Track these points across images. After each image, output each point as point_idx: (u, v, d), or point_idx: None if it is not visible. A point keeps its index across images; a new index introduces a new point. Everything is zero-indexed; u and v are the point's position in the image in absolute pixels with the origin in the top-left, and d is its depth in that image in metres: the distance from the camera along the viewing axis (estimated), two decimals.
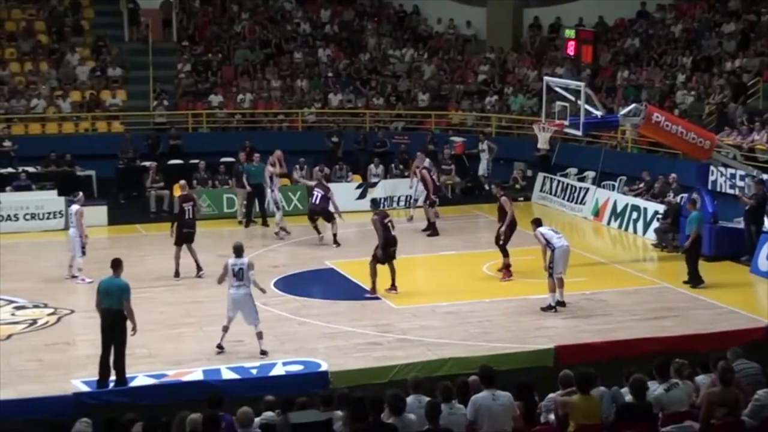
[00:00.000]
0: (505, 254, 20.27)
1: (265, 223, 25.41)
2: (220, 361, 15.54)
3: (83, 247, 20.09)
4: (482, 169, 30.15)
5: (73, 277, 20.23)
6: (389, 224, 19.63)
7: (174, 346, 16.30)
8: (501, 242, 20.22)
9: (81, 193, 21.05)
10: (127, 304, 14.31)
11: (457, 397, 10.43)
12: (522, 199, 28.88)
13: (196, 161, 27.77)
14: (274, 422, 9.99)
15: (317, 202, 23.67)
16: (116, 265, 14.65)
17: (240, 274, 15.76)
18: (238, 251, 16.03)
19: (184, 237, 20.61)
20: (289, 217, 25.88)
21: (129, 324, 14.40)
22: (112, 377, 14.40)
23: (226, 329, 15.94)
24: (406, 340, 16.56)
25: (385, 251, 19.36)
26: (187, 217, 20.65)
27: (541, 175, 28.97)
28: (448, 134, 32.43)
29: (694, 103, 28.12)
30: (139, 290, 19.40)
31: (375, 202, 21.48)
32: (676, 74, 30.03)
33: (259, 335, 15.87)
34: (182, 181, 22.49)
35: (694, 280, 19.82)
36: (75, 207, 20.42)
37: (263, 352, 15.81)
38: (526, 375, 12.65)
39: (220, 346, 15.95)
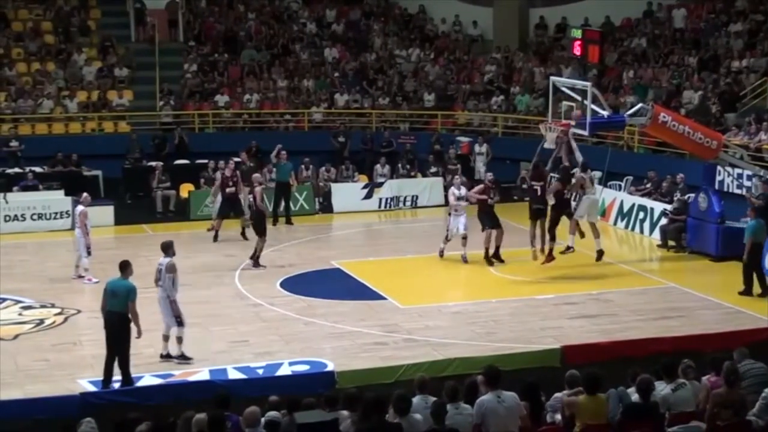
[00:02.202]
0: (552, 238, 20.81)
1: (289, 221, 25.44)
2: (227, 361, 15.55)
3: (88, 248, 20.12)
4: (479, 172, 29.21)
5: (80, 277, 20.26)
6: (537, 187, 20.92)
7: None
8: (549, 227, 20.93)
9: (86, 194, 21.06)
10: (132, 306, 14.18)
11: (465, 397, 10.41)
12: (528, 199, 28.82)
13: (204, 161, 27.80)
14: (278, 420, 10.00)
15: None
16: (124, 266, 14.54)
17: (158, 274, 15.44)
18: (164, 250, 15.60)
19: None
20: (296, 216, 25.98)
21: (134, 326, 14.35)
22: (117, 377, 14.36)
23: (166, 338, 15.57)
24: (412, 340, 16.55)
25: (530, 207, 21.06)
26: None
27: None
28: (455, 134, 32.41)
29: (701, 103, 28.09)
30: (146, 290, 19.43)
31: (535, 167, 22.04)
32: (682, 74, 30.00)
33: (165, 338, 15.41)
34: (255, 175, 22.81)
35: (748, 289, 19.07)
36: (79, 208, 20.48)
37: (162, 356, 15.43)
38: (532, 375, 12.63)
39: (173, 356, 15.55)
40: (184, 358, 15.47)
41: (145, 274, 19.68)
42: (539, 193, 20.95)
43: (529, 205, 21.30)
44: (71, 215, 24.88)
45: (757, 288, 19.08)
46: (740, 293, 18.99)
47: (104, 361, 14.34)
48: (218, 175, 24.69)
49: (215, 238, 23.64)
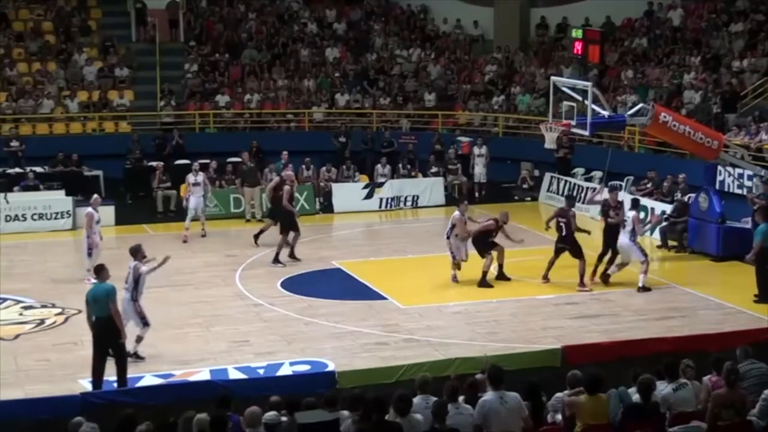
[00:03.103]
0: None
1: None
2: (227, 361, 15.55)
3: (90, 249, 20.04)
4: (479, 174, 29.22)
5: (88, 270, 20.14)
6: (562, 224, 19.76)
7: (181, 346, 16.29)
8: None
9: (96, 196, 21.07)
10: (114, 307, 14.02)
11: (465, 396, 10.40)
12: (529, 199, 28.87)
13: (207, 161, 27.81)
14: (275, 422, 9.99)
15: None
16: (99, 270, 14.42)
17: (127, 278, 15.52)
18: (133, 254, 15.67)
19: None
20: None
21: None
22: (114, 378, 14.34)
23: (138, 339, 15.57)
24: (413, 340, 16.55)
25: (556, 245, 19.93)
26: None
27: (548, 175, 28.90)
28: (455, 134, 32.41)
29: (701, 103, 28.11)
30: (146, 290, 19.47)
31: (570, 198, 21.29)
32: (683, 73, 30.00)
33: (138, 339, 15.45)
34: (288, 173, 22.94)
35: (764, 296, 18.50)
36: (86, 209, 20.46)
37: (133, 354, 15.33)
38: (533, 375, 12.63)
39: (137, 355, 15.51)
40: (137, 357, 15.39)
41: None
42: (564, 232, 19.73)
43: (557, 240, 19.96)
44: (72, 215, 24.95)
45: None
46: (755, 301, 18.54)
47: (92, 368, 14.11)
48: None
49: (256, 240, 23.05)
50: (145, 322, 15.52)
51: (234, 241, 23.77)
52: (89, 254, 20.03)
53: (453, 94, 34.28)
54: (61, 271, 21.09)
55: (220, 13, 36.66)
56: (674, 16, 33.01)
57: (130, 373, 14.51)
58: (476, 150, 29.49)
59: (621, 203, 20.40)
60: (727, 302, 18.69)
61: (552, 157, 28.34)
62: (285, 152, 26.30)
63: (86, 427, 9.79)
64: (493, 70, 34.60)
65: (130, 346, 14.98)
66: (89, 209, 20.35)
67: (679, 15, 32.92)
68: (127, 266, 15.60)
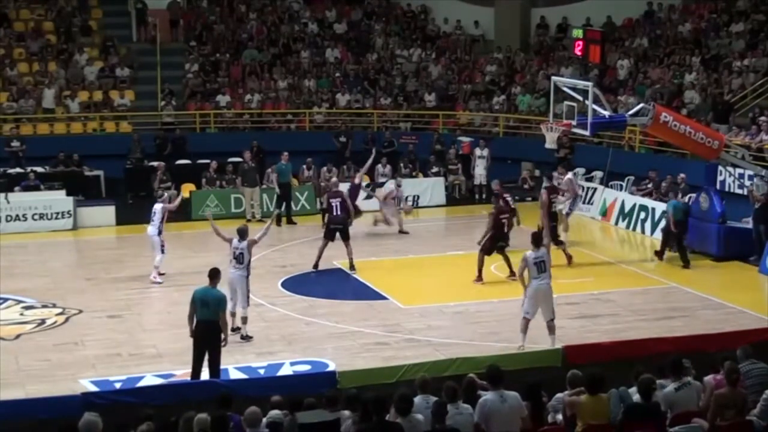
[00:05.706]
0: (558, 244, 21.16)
1: (290, 222, 25.53)
2: (228, 361, 15.53)
3: (163, 246, 20.06)
4: (479, 176, 29.24)
5: (161, 274, 20.09)
6: (504, 221, 20.29)
7: (182, 346, 16.22)
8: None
9: (166, 193, 21.33)
10: (223, 316, 14.32)
11: (463, 395, 10.41)
12: (530, 199, 28.84)
13: (207, 161, 27.86)
14: (281, 421, 10.00)
15: (338, 213, 21.10)
16: (213, 275, 14.53)
17: (240, 258, 16.29)
18: (242, 234, 16.46)
19: (331, 232, 21.03)
20: (296, 216, 26.02)
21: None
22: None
23: (233, 314, 16.37)
24: (414, 340, 16.56)
25: (493, 244, 20.09)
26: (334, 213, 20.98)
27: None
28: (456, 134, 32.40)
29: (702, 103, 28.10)
30: (147, 290, 19.53)
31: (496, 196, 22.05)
32: (683, 73, 30.01)
33: (244, 320, 16.35)
34: (334, 179, 23.04)
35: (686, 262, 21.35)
36: (160, 205, 20.40)
37: (244, 337, 16.35)
38: (534, 375, 12.62)
39: (240, 333, 16.40)
40: (248, 338, 16.37)
41: (146, 273, 19.93)
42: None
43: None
44: (72, 215, 24.96)
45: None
46: (656, 252, 21.74)
47: (191, 368, 14.31)
48: None
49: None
50: (248, 302, 16.34)
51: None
52: (163, 250, 20.06)
53: (454, 94, 34.27)
54: (62, 271, 21.10)
55: (220, 13, 36.61)
56: (675, 17, 32.88)
57: (133, 372, 14.55)
58: (478, 151, 29.43)
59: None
60: (727, 302, 18.70)
61: (552, 157, 28.33)
62: (285, 153, 26.32)
63: (88, 416, 9.71)
64: (494, 70, 34.60)
65: (261, 344, 16.09)
66: (162, 205, 20.42)
67: (678, 15, 32.83)
68: (234, 247, 16.29)
